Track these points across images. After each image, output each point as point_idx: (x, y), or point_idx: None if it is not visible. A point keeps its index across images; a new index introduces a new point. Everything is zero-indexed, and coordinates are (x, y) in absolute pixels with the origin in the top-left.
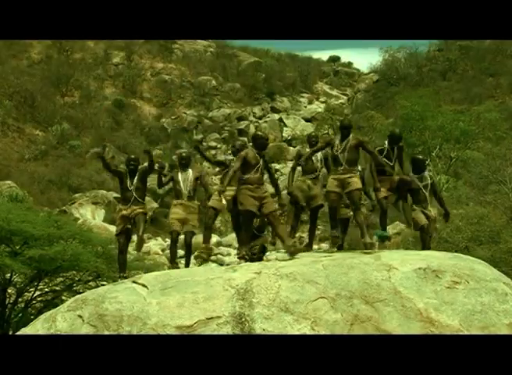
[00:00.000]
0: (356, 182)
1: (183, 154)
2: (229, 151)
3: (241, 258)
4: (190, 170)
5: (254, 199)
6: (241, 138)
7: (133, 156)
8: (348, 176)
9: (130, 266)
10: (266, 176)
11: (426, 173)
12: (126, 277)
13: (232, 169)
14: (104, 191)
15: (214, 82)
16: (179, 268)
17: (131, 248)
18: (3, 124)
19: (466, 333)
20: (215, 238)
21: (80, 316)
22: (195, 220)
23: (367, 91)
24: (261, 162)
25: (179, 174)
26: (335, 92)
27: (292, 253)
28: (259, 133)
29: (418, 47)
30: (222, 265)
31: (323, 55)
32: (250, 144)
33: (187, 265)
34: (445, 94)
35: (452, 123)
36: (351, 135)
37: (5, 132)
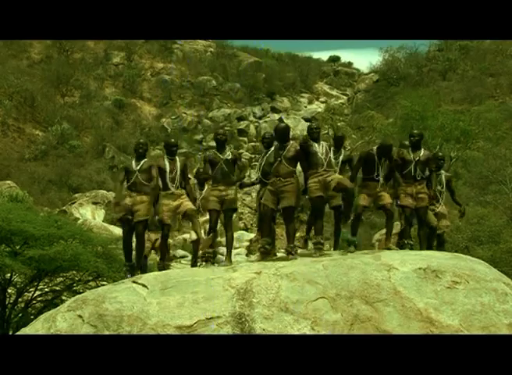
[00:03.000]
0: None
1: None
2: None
3: (259, 249)
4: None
5: (271, 193)
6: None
7: (142, 140)
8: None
9: None
10: None
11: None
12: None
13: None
14: (105, 191)
15: (214, 82)
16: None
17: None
18: (3, 124)
19: (466, 333)
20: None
21: (80, 316)
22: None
23: (367, 91)
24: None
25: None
26: (335, 92)
27: (290, 254)
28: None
29: (418, 47)
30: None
31: (323, 55)
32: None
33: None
34: (445, 94)
35: (452, 123)
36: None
37: (5, 132)
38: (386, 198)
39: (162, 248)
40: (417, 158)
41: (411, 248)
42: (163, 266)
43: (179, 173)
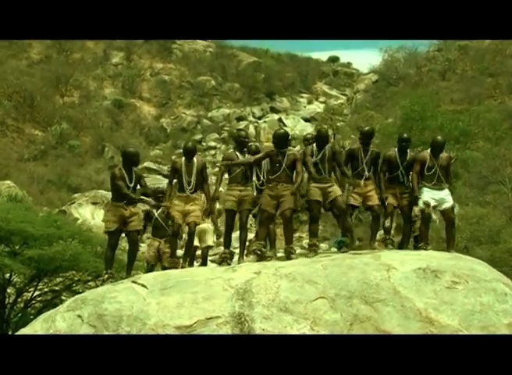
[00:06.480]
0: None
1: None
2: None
3: (254, 252)
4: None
5: (271, 198)
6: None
7: (132, 150)
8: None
9: None
10: None
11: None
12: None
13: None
14: (104, 191)
15: (213, 82)
16: (178, 262)
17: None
18: (2, 124)
19: (465, 333)
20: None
21: (80, 316)
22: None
23: (366, 91)
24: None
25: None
26: (334, 92)
27: (288, 256)
28: (281, 130)
29: (417, 47)
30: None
31: (322, 55)
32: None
33: (187, 255)
34: (444, 94)
35: (451, 123)
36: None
37: (5, 132)
38: (375, 199)
39: (172, 246)
40: (404, 162)
41: (392, 244)
42: (173, 263)
43: (194, 176)
